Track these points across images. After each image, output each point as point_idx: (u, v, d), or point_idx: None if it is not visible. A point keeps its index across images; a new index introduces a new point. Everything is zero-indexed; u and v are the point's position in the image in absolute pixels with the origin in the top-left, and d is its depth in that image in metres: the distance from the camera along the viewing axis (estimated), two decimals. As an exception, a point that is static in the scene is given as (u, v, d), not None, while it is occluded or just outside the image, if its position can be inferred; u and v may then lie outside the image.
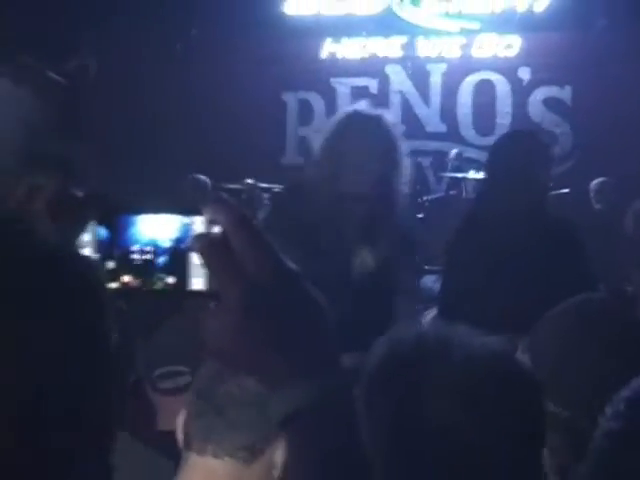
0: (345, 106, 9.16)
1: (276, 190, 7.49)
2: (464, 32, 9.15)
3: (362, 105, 4.36)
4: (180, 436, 2.19)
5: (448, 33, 9.19)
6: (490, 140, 8.96)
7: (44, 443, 1.08)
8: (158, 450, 2.78)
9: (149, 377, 2.99)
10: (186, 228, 1.20)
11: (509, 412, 1.54)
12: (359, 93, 9.36)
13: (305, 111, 9.42)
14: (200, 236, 1.16)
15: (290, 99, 9.42)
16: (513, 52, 9.19)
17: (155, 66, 8.87)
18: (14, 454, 1.06)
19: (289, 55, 9.24)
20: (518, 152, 4.79)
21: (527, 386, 1.60)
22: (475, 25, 9.09)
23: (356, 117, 4.43)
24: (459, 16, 9.04)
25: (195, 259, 1.18)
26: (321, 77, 9.40)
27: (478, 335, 1.62)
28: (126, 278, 1.22)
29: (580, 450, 1.99)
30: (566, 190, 7.91)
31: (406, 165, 4.35)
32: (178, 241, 1.21)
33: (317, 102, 9.42)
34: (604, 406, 1.94)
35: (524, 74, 9.21)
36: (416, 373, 1.57)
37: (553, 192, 7.85)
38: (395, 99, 9.38)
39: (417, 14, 9.03)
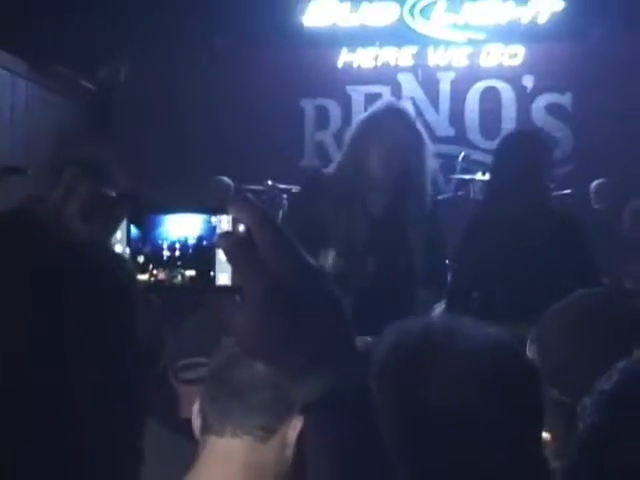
0: (359, 112, 9.22)
1: (294, 190, 7.51)
2: (471, 42, 9.15)
3: (395, 102, 4.34)
4: (197, 421, 2.29)
5: (456, 43, 9.18)
6: (495, 144, 8.98)
7: (85, 433, 1.08)
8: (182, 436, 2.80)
9: (173, 367, 3.00)
10: (212, 226, 1.18)
11: (509, 399, 1.54)
12: (373, 100, 9.30)
13: (322, 116, 9.42)
14: (225, 234, 1.16)
15: (308, 105, 9.42)
16: (517, 61, 9.19)
17: (182, 74, 8.89)
18: (68, 439, 1.06)
19: (307, 64, 9.26)
20: (522, 150, 4.79)
21: (527, 375, 1.61)
22: (481, 36, 9.09)
23: (388, 112, 4.44)
24: (466, 27, 9.03)
25: (221, 256, 1.17)
26: (337, 85, 9.40)
27: (483, 327, 1.62)
28: (155, 272, 1.21)
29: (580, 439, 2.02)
30: (568, 191, 7.90)
31: (431, 164, 4.37)
32: (203, 239, 1.20)
33: (333, 108, 9.42)
34: None
35: (527, 82, 9.21)
36: (422, 362, 1.56)
37: (555, 193, 7.92)
38: (407, 105, 9.33)
39: (427, 26, 9.03)
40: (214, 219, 1.20)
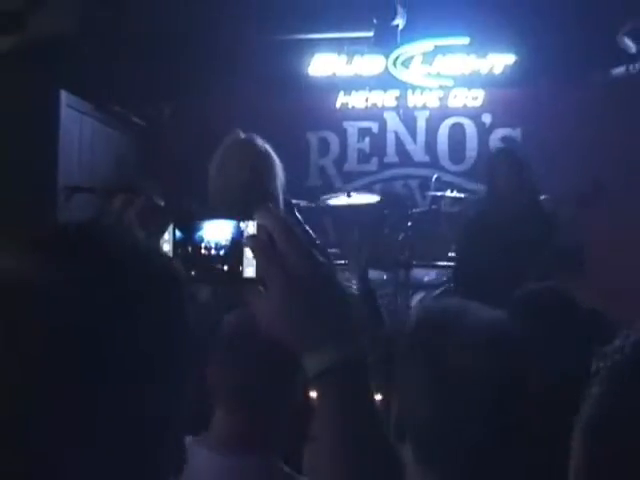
0: (354, 142, 9.34)
1: (302, 204, 7.56)
2: (442, 87, 9.20)
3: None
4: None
5: (430, 88, 9.22)
6: (461, 167, 9.13)
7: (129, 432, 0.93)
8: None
9: None
10: (240, 230, 1.20)
11: (503, 363, 1.52)
12: (364, 133, 9.45)
13: (323, 146, 9.49)
14: (252, 236, 1.17)
15: (312, 137, 9.50)
16: (478, 102, 9.23)
17: (214, 112, 8.93)
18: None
19: (312, 104, 9.36)
20: (511, 161, 4.80)
21: (516, 344, 1.58)
22: (450, 82, 9.14)
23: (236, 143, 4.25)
24: (438, 76, 9.09)
25: (248, 254, 1.18)
26: (335, 120, 9.46)
27: (485, 308, 1.62)
28: (196, 268, 1.21)
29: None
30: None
31: (281, 177, 4.19)
32: (234, 240, 1.20)
33: (332, 139, 9.50)
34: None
35: (486, 119, 9.27)
36: (442, 333, 1.55)
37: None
38: (391, 137, 9.44)
39: (407, 74, 9.08)
40: (242, 224, 1.20)
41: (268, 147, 4.37)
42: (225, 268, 1.20)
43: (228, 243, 1.21)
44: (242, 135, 4.39)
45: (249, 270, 1.19)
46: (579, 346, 1.64)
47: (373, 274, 7.46)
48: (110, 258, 0.95)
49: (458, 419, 1.49)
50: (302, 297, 1.13)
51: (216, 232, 1.21)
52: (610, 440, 0.88)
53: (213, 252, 1.21)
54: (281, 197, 4.36)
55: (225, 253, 1.21)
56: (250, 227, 1.20)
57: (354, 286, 7.16)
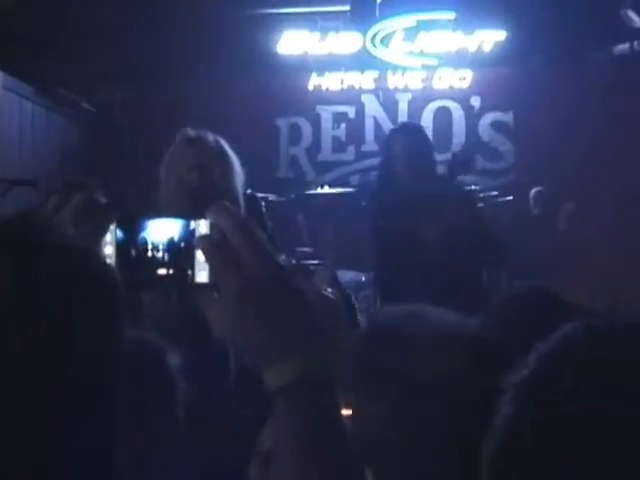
0: (328, 129, 9.25)
1: (270, 198, 7.45)
2: (425, 67, 9.09)
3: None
4: None
5: (412, 68, 9.12)
6: (447, 156, 8.96)
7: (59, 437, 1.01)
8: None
9: None
10: (191, 230, 1.18)
11: (465, 371, 1.51)
12: (339, 118, 9.35)
13: (295, 133, 9.36)
14: (204, 237, 1.16)
15: (282, 123, 9.35)
16: (466, 84, 9.14)
17: (171, 98, 8.83)
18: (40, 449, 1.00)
19: (281, 87, 9.20)
20: (414, 138, 4.92)
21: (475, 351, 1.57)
22: (434, 62, 9.03)
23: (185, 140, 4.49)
24: (421, 54, 8.96)
25: (200, 256, 1.16)
26: (308, 105, 9.34)
27: (445, 311, 1.61)
28: (139, 271, 1.20)
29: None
30: (510, 198, 7.92)
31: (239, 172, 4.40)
32: (183, 241, 1.18)
33: (305, 126, 9.37)
34: None
35: (475, 102, 9.18)
36: (396, 340, 1.54)
37: (499, 199, 7.94)
38: (369, 123, 9.32)
39: (386, 53, 8.96)
40: (193, 223, 1.18)
41: (222, 142, 4.47)
42: (172, 272, 1.20)
43: (177, 245, 1.20)
44: (191, 132, 4.53)
45: (201, 275, 1.18)
46: None
47: (351, 275, 7.36)
48: (38, 257, 1.02)
49: (418, 436, 1.48)
50: (257, 305, 1.12)
51: (163, 232, 1.21)
52: (520, 469, 0.88)
53: (159, 255, 1.20)
54: (240, 195, 4.44)
55: (173, 256, 1.20)
56: (202, 226, 1.19)
57: (328, 289, 7.05)
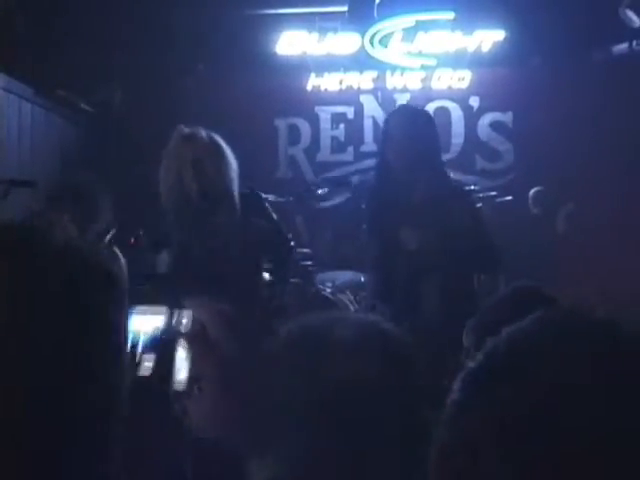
0: (327, 129, 9.24)
1: (269, 199, 7.45)
2: (424, 68, 9.08)
3: None
4: None
5: (411, 69, 9.11)
6: (447, 156, 8.96)
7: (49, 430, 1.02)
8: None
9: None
10: (173, 323, 1.17)
11: (382, 376, 1.48)
12: (338, 118, 9.34)
13: (293, 134, 9.35)
14: (185, 334, 1.19)
15: (281, 124, 9.34)
16: (465, 84, 9.14)
17: (169, 96, 8.81)
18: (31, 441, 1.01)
19: (280, 87, 9.18)
20: (410, 121, 4.58)
21: (394, 345, 1.54)
22: (433, 62, 9.02)
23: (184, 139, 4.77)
24: (419, 55, 8.96)
25: (181, 351, 1.17)
26: (307, 105, 9.33)
27: (355, 315, 1.55)
28: None
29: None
30: (509, 197, 7.92)
31: (233, 175, 4.59)
32: (164, 337, 1.18)
33: (303, 126, 9.36)
34: None
35: (474, 102, 9.17)
36: (310, 351, 1.49)
37: (498, 199, 7.94)
38: (368, 123, 9.31)
39: (385, 53, 8.96)
40: (175, 315, 1.22)
41: (216, 138, 4.67)
42: (151, 369, 1.25)
43: (157, 340, 1.24)
44: (185, 130, 4.63)
45: (181, 372, 1.23)
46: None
47: (350, 275, 7.37)
48: (39, 260, 1.03)
49: (346, 444, 1.41)
50: (235, 396, 1.18)
51: (144, 325, 1.24)
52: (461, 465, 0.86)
53: (139, 351, 1.24)
54: (236, 190, 4.46)
55: (154, 350, 1.24)
56: (184, 317, 1.25)
57: (328, 289, 7.07)
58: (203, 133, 4.68)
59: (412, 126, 4.52)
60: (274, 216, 4.86)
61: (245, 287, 4.34)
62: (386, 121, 4.85)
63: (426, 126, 4.63)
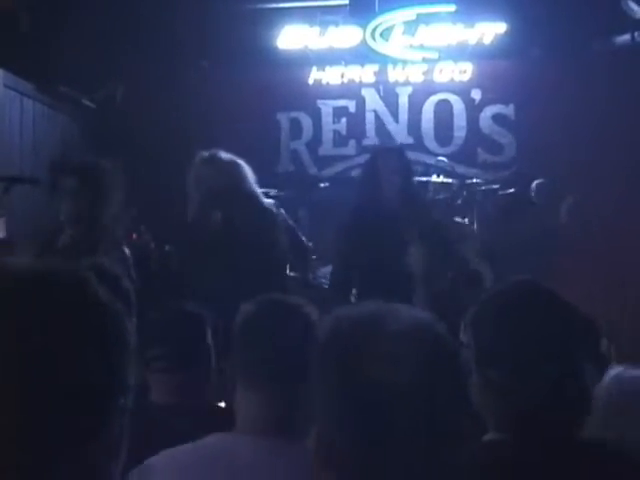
0: (328, 123, 9.25)
1: (271, 193, 7.47)
2: (426, 61, 9.06)
3: None
4: None
5: (412, 62, 9.09)
6: (449, 150, 9.03)
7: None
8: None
9: (144, 357, 2.97)
10: None
11: (434, 374, 1.45)
12: (340, 112, 9.33)
13: (295, 128, 9.33)
14: None
15: (283, 118, 9.33)
16: (466, 77, 9.11)
17: (173, 92, 8.83)
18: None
19: (282, 81, 9.18)
20: (391, 163, 4.88)
21: (447, 351, 1.52)
22: (434, 55, 8.99)
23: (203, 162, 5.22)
24: (421, 48, 8.93)
25: None
26: (308, 99, 9.31)
27: (408, 310, 1.54)
28: None
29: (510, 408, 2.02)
30: (512, 190, 7.93)
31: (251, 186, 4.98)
32: None
33: (305, 120, 9.34)
34: (535, 372, 1.97)
35: (476, 95, 9.14)
36: (356, 345, 1.47)
37: (501, 192, 7.96)
38: (370, 117, 9.29)
39: (386, 46, 8.93)
40: None
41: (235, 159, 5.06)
42: None
43: None
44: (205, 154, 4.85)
45: None
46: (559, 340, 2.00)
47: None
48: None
49: (384, 444, 1.42)
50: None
51: None
52: None
53: None
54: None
55: None
56: None
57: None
58: (219, 155, 5.10)
59: (405, 169, 5.03)
60: (291, 223, 5.34)
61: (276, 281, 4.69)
62: (381, 157, 5.16)
63: (411, 166, 5.30)
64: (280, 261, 4.91)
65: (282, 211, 5.38)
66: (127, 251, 4.67)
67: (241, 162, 5.02)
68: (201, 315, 3.11)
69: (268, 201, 5.27)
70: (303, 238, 5.42)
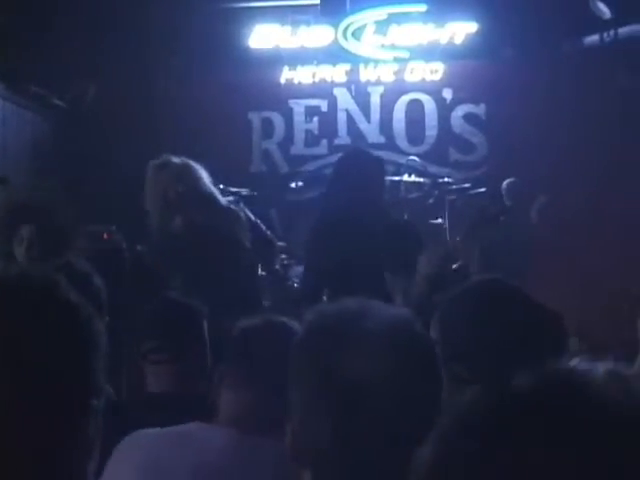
0: (300, 122, 9.25)
1: (244, 193, 7.48)
2: (397, 60, 9.07)
3: None
4: None
5: (384, 61, 9.10)
6: (421, 149, 9.07)
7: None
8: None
9: (141, 349, 2.99)
10: None
11: (410, 372, 1.47)
12: (312, 111, 9.34)
13: (267, 127, 9.33)
14: None
15: (255, 117, 9.32)
16: (438, 76, 9.13)
17: (143, 91, 8.81)
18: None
19: (253, 81, 9.16)
20: (357, 166, 4.87)
21: (426, 348, 1.54)
22: (406, 54, 9.01)
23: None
24: (392, 47, 8.95)
25: None
26: (280, 99, 9.31)
27: (388, 307, 1.57)
28: None
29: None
30: (483, 189, 7.97)
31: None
32: None
33: (277, 119, 9.34)
34: (504, 371, 1.96)
35: (447, 94, 9.17)
36: (337, 340, 1.48)
37: (472, 191, 7.99)
38: (342, 116, 9.31)
39: (358, 46, 8.94)
40: None
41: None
42: None
43: None
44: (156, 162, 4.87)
45: None
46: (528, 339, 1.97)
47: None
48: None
49: (361, 440, 1.42)
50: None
51: None
52: None
53: None
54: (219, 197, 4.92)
55: None
56: None
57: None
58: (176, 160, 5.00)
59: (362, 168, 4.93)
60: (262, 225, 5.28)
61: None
62: (341, 160, 5.20)
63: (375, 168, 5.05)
64: (248, 260, 4.90)
65: (242, 207, 5.37)
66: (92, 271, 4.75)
67: (193, 164, 4.99)
68: (196, 306, 3.14)
69: (226, 199, 5.26)
70: (268, 232, 5.38)
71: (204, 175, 4.99)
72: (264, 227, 5.38)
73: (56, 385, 1.08)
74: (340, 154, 5.80)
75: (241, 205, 5.37)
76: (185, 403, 2.79)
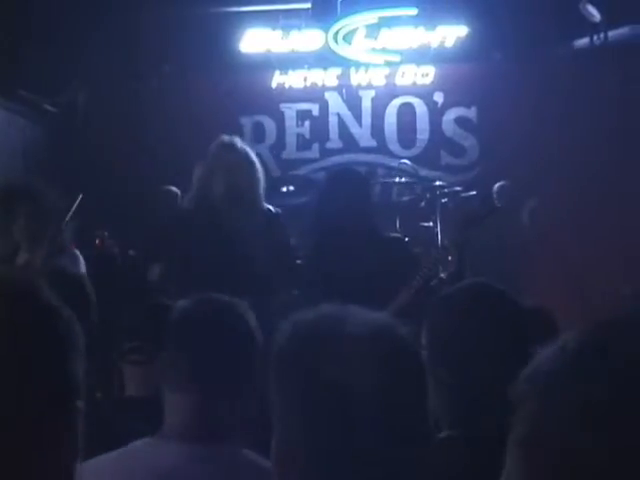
0: (292, 126, 9.26)
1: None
2: (388, 64, 9.08)
3: None
4: None
5: (375, 65, 9.11)
6: (412, 152, 9.08)
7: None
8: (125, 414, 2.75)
9: (120, 350, 2.98)
10: None
11: (394, 377, 1.46)
12: (303, 116, 9.35)
13: (259, 131, 9.33)
14: None
15: (246, 122, 9.32)
16: (429, 80, 9.14)
17: (135, 97, 8.83)
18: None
19: (244, 85, 9.19)
20: (347, 187, 4.85)
21: (408, 353, 1.53)
22: (397, 58, 9.02)
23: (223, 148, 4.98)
24: (383, 51, 8.96)
25: None
26: (272, 103, 9.32)
27: (368, 313, 1.53)
28: None
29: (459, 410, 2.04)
30: (473, 192, 7.98)
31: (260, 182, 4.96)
32: None
33: (269, 124, 9.35)
34: (486, 375, 1.97)
35: (438, 98, 9.18)
36: (315, 349, 1.47)
37: (463, 194, 8.01)
38: (333, 120, 9.32)
39: (349, 50, 8.95)
40: None
41: (251, 153, 5.01)
42: None
43: None
44: (225, 139, 4.77)
45: None
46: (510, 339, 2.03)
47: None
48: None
49: (344, 446, 1.42)
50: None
51: None
52: (552, 454, 0.90)
53: None
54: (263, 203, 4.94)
55: None
56: None
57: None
58: (241, 144, 4.97)
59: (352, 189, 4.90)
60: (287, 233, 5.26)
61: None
62: (330, 181, 5.19)
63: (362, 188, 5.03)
64: (262, 267, 4.84)
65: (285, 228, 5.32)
66: (77, 252, 4.71)
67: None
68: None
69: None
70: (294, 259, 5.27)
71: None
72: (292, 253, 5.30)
73: (37, 387, 1.09)
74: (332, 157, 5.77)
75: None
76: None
